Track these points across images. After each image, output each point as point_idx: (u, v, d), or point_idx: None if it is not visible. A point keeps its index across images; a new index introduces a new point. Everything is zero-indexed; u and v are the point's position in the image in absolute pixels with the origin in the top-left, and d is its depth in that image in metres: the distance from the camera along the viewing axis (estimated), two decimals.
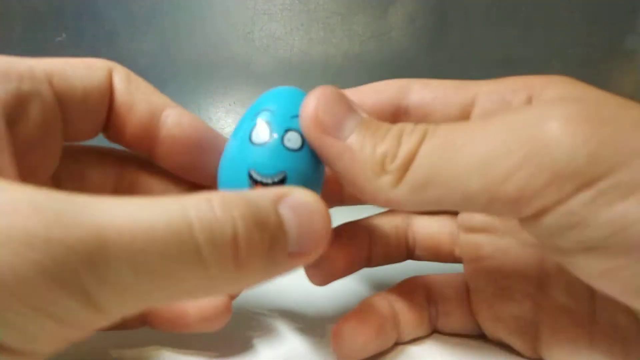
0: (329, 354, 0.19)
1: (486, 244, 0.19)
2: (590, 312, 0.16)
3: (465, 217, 0.20)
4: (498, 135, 0.13)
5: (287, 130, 0.16)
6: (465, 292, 0.20)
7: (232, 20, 0.52)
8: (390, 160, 0.14)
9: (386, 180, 0.14)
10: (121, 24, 0.53)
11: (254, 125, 0.16)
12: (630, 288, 0.12)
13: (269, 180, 0.15)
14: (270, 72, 0.51)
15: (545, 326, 0.17)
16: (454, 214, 0.21)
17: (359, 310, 0.19)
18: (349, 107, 0.16)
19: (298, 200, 0.13)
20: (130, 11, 0.52)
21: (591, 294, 0.16)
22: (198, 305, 0.17)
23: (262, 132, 0.16)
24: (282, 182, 0.16)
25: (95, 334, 0.11)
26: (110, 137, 0.19)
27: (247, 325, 0.21)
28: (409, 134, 0.14)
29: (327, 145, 0.15)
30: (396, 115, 0.18)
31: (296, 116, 0.16)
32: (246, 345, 0.19)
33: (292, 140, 0.16)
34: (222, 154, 0.17)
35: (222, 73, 0.52)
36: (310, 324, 0.21)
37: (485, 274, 0.19)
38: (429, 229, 0.21)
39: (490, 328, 0.19)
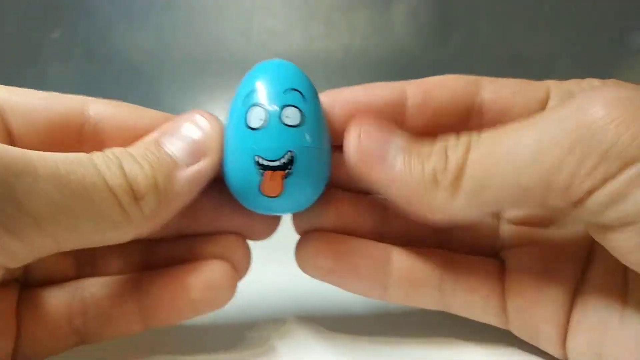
0: (343, 349, 0.19)
1: (535, 232, 0.19)
2: (623, 293, 0.16)
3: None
4: (546, 129, 0.14)
5: (283, 107, 0.15)
6: (497, 274, 0.19)
7: (230, 16, 0.51)
8: (441, 175, 0.15)
9: (442, 195, 0.15)
10: (116, 20, 0.52)
11: (247, 109, 0.16)
12: None
13: (277, 163, 0.15)
14: None
15: (578, 307, 0.17)
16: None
17: (333, 235, 0.19)
18: (390, 133, 0.16)
19: (171, 128, 0.16)
20: (126, 6, 0.52)
21: (625, 276, 0.16)
22: (200, 277, 0.18)
23: (258, 115, 0.15)
24: (290, 162, 0.15)
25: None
26: None
27: (263, 326, 0.21)
28: (454, 146, 0.15)
29: (378, 176, 0.16)
30: (471, 113, 0.18)
31: (290, 89, 0.16)
32: (263, 346, 0.19)
33: (291, 116, 0.15)
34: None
35: (219, 70, 0.51)
36: (320, 324, 0.21)
37: (532, 256, 0.19)
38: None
39: (524, 311, 0.18)
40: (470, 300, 0.19)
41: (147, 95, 0.52)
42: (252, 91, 0.16)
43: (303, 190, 0.16)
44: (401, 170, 0.15)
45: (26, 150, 0.13)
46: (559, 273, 0.18)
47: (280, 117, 0.15)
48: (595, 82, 0.18)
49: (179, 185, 0.15)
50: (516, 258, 0.19)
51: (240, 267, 0.18)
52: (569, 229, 0.18)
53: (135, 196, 0.14)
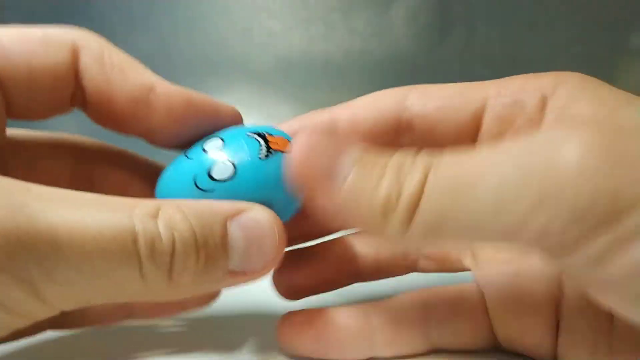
0: None
1: (506, 251, 0.18)
2: (609, 317, 0.16)
3: None
4: (510, 169, 0.12)
5: (209, 168, 0.15)
6: (479, 304, 0.18)
7: (231, 18, 0.51)
8: (395, 199, 0.13)
9: (396, 223, 0.13)
10: (118, 22, 0.52)
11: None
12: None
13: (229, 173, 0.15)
14: (269, 70, 0.51)
15: (565, 334, 0.16)
16: None
17: (309, 313, 0.17)
18: (343, 144, 0.14)
19: (251, 219, 0.14)
20: (127, 9, 0.52)
21: None
22: None
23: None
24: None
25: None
26: (92, 118, 0.17)
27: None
28: (410, 167, 0.13)
29: (324, 196, 0.13)
30: (399, 131, 0.17)
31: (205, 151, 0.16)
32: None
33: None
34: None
35: (220, 71, 0.51)
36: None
37: (508, 283, 0.17)
38: None
39: (512, 340, 0.18)
40: (459, 341, 0.18)
41: None
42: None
43: None
44: (352, 192, 0.13)
45: (54, 223, 0.11)
46: (536, 299, 0.17)
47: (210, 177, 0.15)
48: (546, 80, 0.15)
49: (213, 286, 0.14)
50: (493, 289, 0.18)
51: None
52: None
53: (171, 277, 0.13)
